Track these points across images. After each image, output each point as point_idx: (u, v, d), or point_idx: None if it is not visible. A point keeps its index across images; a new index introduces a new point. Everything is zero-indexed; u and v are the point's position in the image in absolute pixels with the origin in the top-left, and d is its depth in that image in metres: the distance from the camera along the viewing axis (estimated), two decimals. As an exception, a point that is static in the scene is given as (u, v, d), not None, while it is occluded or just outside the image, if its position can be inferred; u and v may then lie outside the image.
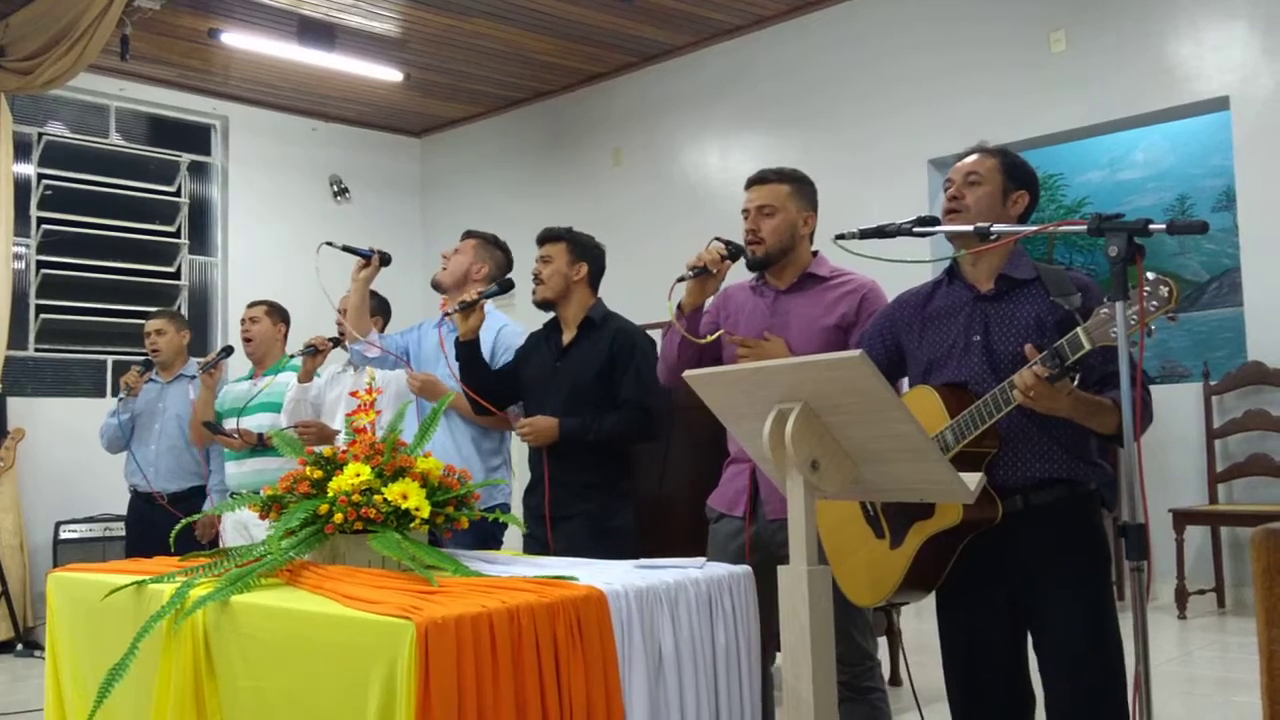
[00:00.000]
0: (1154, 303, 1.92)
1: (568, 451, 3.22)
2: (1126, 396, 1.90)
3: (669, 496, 3.54)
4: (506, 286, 3.48)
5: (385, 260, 3.70)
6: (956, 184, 2.40)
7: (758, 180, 2.88)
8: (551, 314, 3.46)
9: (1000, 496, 2.22)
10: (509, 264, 3.85)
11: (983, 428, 2.18)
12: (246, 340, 4.78)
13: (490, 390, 3.43)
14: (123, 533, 5.32)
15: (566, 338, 3.38)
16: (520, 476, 3.58)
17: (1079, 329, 2.03)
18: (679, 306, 2.79)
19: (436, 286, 3.85)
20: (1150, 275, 1.93)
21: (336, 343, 4.36)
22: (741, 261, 2.84)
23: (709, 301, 2.86)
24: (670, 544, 3.09)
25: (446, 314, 3.52)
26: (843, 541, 2.42)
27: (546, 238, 3.43)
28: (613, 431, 3.21)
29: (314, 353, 4.23)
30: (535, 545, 3.24)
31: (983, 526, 2.21)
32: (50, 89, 7.04)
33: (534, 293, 3.39)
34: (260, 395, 4.66)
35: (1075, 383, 2.11)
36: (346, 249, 3.70)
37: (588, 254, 3.40)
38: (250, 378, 4.83)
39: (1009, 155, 2.43)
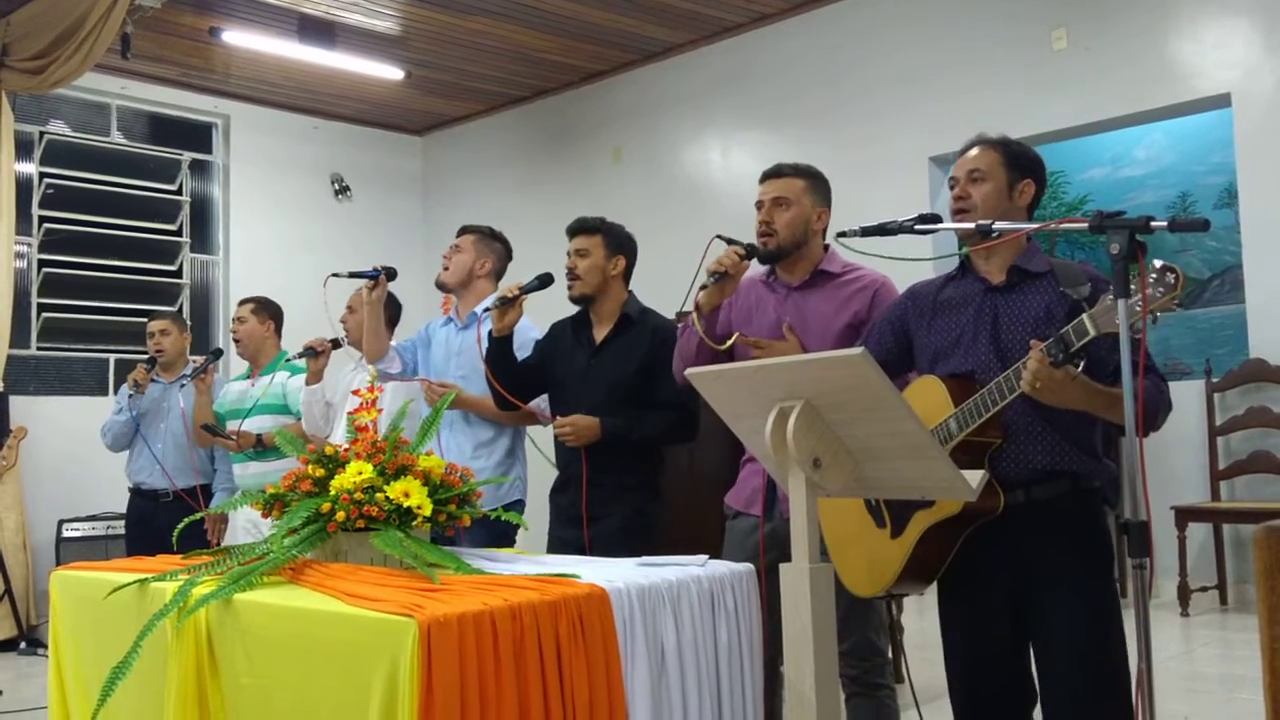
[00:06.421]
0: (1160, 290, 1.92)
1: (606, 452, 3.10)
2: (1128, 390, 1.90)
3: (693, 495, 3.49)
4: (546, 282, 3.30)
5: (391, 275, 3.69)
6: (961, 182, 2.39)
7: (773, 174, 2.87)
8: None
9: (1003, 490, 2.22)
10: (509, 255, 3.81)
11: (986, 415, 2.18)
12: (236, 341, 4.79)
13: (518, 384, 3.32)
14: (125, 531, 5.34)
15: (599, 334, 3.25)
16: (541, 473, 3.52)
17: (1084, 315, 2.03)
18: (697, 307, 2.74)
19: (441, 286, 3.80)
20: (1156, 262, 1.93)
21: (336, 345, 4.37)
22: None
23: None
24: (693, 543, 3.07)
25: (486, 309, 3.36)
26: (844, 531, 2.43)
27: (580, 229, 3.24)
28: (654, 432, 3.13)
29: (314, 354, 4.23)
30: (566, 547, 3.12)
31: (984, 517, 2.21)
32: (57, 89, 7.04)
33: (570, 288, 3.23)
34: (260, 397, 4.66)
35: (1080, 369, 2.11)
36: (353, 275, 3.68)
37: (624, 247, 3.25)
38: (248, 377, 4.83)
39: (1010, 145, 2.42)
